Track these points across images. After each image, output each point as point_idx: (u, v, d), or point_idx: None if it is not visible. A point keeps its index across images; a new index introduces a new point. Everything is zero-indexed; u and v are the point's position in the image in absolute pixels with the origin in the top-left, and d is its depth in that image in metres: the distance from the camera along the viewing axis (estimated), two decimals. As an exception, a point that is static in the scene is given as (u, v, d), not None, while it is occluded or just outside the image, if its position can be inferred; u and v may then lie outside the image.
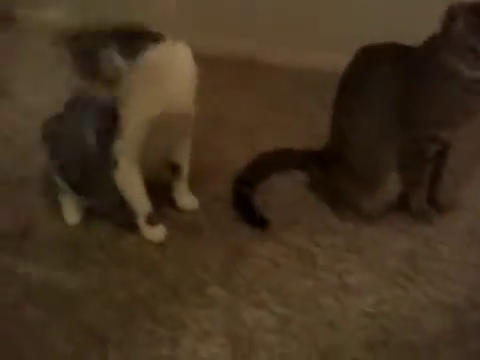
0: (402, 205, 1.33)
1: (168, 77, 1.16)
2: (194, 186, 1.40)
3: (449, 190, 1.38)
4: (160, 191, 1.34)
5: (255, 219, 1.32)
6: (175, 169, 1.34)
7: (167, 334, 1.06)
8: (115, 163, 1.22)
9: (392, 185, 1.28)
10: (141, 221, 1.28)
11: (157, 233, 1.28)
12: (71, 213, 1.33)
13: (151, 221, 1.28)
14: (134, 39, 1.13)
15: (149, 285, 1.17)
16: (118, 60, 1.11)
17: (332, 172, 1.35)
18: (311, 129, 1.64)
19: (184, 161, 1.33)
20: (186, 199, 1.37)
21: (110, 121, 1.18)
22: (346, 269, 1.21)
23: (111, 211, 1.32)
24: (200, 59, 1.97)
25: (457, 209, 1.36)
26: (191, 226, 1.32)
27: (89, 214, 1.34)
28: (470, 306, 1.14)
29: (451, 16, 1.14)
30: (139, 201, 1.27)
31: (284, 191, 1.43)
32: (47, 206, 1.37)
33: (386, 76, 1.22)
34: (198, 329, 1.07)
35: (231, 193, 1.38)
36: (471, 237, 1.29)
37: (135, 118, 1.16)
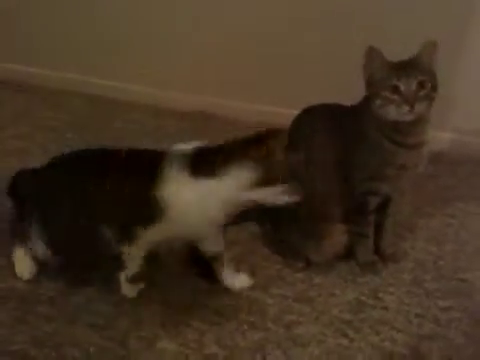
0: (350, 255, 1.38)
1: None
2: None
3: (393, 241, 1.43)
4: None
5: (209, 273, 1.34)
6: (212, 258, 1.30)
7: (114, 389, 1.07)
8: (131, 241, 1.20)
9: (338, 236, 1.33)
10: (123, 277, 1.27)
11: (133, 290, 1.28)
12: (25, 268, 1.33)
13: (134, 279, 1.28)
14: None
15: (98, 340, 1.17)
16: None
17: (283, 224, 1.39)
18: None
19: (220, 249, 1.29)
20: (237, 280, 1.32)
21: None
22: (295, 320, 1.23)
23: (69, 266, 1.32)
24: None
25: (402, 260, 1.40)
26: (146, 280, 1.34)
27: (40, 269, 1.34)
28: (415, 356, 1.17)
29: (370, 58, 1.23)
30: (135, 265, 1.26)
31: (238, 243, 1.47)
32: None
33: (327, 133, 1.29)
34: (145, 384, 1.08)
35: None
36: (415, 287, 1.33)
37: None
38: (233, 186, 1.10)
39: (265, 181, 1.10)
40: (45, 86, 2.29)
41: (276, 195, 1.11)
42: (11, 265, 1.34)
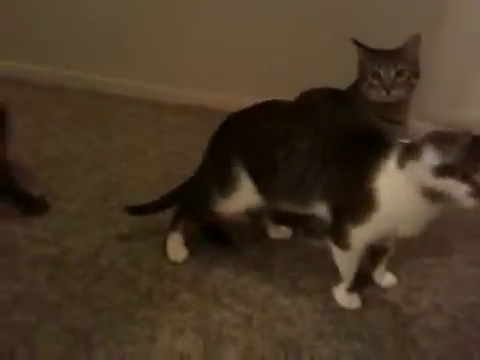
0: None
1: None
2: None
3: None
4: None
5: (221, 238, 1.49)
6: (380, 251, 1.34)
7: (145, 333, 1.20)
8: (345, 244, 1.21)
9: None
10: (342, 287, 1.30)
11: (354, 301, 1.30)
12: (179, 253, 1.41)
13: (349, 289, 1.30)
14: None
15: (126, 295, 1.31)
16: None
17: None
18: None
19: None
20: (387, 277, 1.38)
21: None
22: (298, 275, 1.39)
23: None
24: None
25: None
26: (163, 245, 1.46)
27: (67, 235, 1.48)
28: (405, 302, 1.34)
29: (357, 49, 1.44)
30: (349, 272, 1.29)
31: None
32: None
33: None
34: (172, 328, 1.22)
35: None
36: (405, 243, 1.49)
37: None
38: (423, 170, 1.08)
39: (452, 173, 1.06)
40: (48, 83, 2.41)
41: (460, 193, 1.06)
42: (40, 234, 1.48)
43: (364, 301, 1.31)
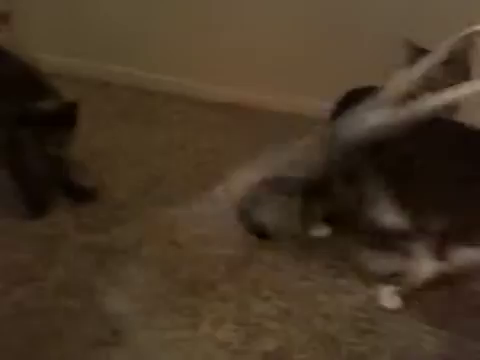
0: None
1: None
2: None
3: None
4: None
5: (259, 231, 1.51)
6: None
7: (187, 321, 1.24)
8: (443, 261, 1.21)
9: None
10: (391, 289, 1.32)
11: (395, 301, 1.31)
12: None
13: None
14: None
15: (168, 284, 1.35)
16: None
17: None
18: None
19: None
20: None
21: None
22: (337, 273, 1.41)
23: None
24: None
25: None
26: (205, 237, 1.50)
27: (114, 224, 1.53)
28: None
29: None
30: (417, 284, 1.29)
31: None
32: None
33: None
34: (213, 317, 1.26)
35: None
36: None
37: None
38: None
39: None
40: (96, 79, 2.48)
41: None
42: (88, 223, 1.53)
43: (404, 300, 1.32)
